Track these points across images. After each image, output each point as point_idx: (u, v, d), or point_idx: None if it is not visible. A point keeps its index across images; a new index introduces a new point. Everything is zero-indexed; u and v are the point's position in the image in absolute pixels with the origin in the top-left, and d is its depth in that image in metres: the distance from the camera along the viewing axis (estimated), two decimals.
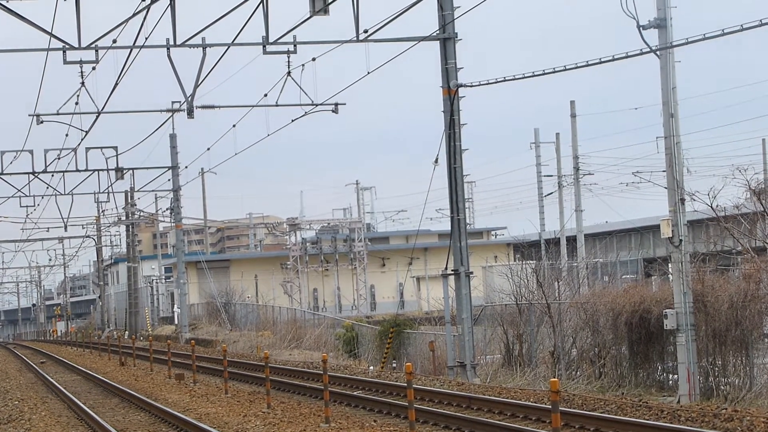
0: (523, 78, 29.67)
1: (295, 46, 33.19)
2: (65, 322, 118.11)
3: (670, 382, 29.26)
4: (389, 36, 32.09)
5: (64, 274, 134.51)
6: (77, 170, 55.54)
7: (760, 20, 23.11)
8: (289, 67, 34.78)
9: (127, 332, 78.55)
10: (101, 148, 56.28)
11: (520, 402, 22.89)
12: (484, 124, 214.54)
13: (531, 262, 40.88)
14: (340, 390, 28.28)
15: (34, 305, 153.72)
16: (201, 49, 32.56)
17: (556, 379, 13.57)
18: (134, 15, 29.36)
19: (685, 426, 18.57)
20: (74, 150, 53.24)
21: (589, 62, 27.38)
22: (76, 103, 40.13)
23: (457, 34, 32.26)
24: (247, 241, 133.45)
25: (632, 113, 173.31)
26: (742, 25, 23.61)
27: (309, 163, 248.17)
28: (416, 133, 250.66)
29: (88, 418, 24.28)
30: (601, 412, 20.90)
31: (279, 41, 32.23)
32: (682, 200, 26.67)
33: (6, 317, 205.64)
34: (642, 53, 25.72)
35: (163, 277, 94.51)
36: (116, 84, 34.53)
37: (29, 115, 44.94)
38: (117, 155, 56.69)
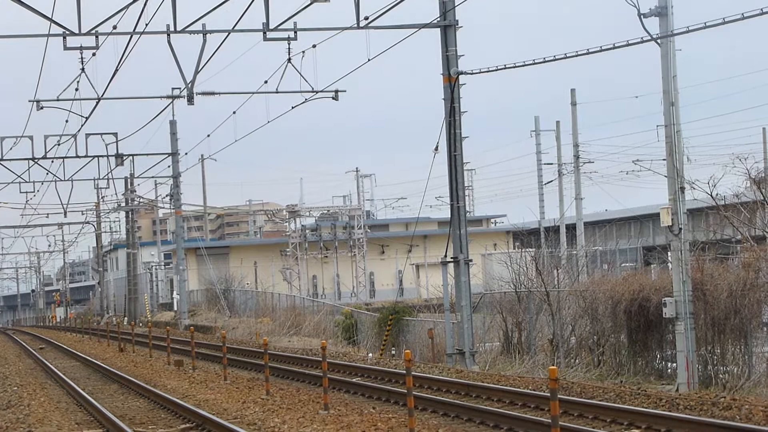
0: (523, 66, 29.67)
1: (295, 32, 33.12)
2: (64, 308, 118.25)
3: (669, 370, 29.28)
4: (390, 23, 32.06)
5: (64, 260, 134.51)
6: (77, 156, 55.60)
7: (761, 9, 23.08)
8: (289, 54, 34.68)
9: (126, 318, 78.60)
10: (101, 134, 56.39)
11: (518, 389, 22.91)
12: (484, 111, 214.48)
13: (530, 249, 40.86)
14: (339, 377, 28.29)
15: (33, 291, 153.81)
16: (201, 35, 32.49)
17: (554, 367, 13.57)
18: (135, 1, 29.28)
19: (684, 414, 18.58)
20: (74, 136, 53.25)
21: (590, 50, 27.35)
22: (76, 89, 40.04)
23: (457, 21, 32.18)
24: (247, 227, 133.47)
25: (633, 102, 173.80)
26: (743, 14, 23.57)
27: (309, 150, 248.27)
28: (416, 121, 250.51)
29: (87, 404, 24.30)
30: (600, 400, 20.91)
31: (279, 28, 32.16)
32: (682, 189, 26.66)
33: (5, 303, 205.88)
34: (643, 41, 25.68)
35: (163, 264, 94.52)
36: (116, 70, 34.51)
37: (29, 101, 44.96)
38: (117, 141, 56.83)
